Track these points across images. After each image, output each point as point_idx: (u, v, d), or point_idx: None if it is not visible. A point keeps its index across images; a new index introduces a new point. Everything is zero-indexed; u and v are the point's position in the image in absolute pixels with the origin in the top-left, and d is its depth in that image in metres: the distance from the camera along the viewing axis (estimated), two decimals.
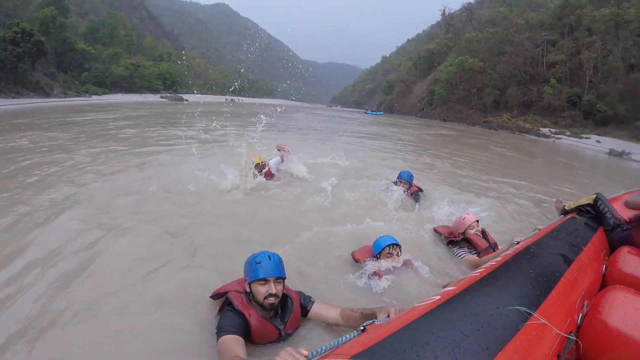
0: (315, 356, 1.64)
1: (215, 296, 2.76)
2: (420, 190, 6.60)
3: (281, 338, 2.60)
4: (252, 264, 2.50)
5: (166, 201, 5.34)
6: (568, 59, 47.35)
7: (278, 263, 2.54)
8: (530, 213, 6.72)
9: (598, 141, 34.58)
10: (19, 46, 36.32)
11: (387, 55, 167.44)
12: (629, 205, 3.30)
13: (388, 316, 2.18)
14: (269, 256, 2.53)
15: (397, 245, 3.66)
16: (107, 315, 2.80)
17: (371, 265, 3.57)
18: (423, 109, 73.84)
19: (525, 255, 2.25)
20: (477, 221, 4.38)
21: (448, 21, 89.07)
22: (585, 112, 41.84)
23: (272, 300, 2.45)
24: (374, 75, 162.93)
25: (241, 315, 2.44)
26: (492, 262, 2.28)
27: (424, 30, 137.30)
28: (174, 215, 4.80)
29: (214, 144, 10.35)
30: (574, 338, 1.74)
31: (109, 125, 17.41)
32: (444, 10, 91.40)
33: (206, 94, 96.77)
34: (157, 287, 3.17)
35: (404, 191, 6.23)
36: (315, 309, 2.77)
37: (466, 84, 62.07)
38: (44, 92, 40.44)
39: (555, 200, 4.43)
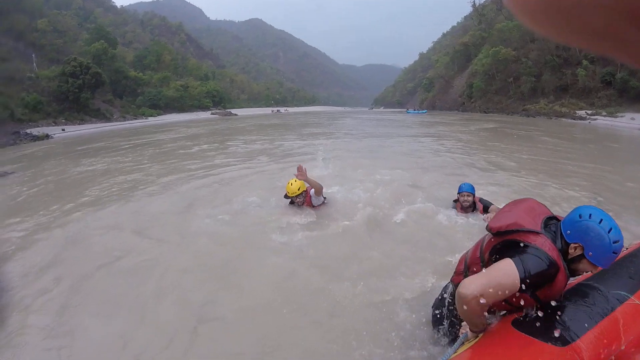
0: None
1: None
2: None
3: None
4: (610, 244, 2.01)
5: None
6: None
7: None
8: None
9: (632, 118, 35.43)
10: (78, 78, 40.59)
11: (424, 51, 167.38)
12: None
13: None
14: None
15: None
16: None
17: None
18: (464, 103, 74.91)
19: (629, 257, 2.72)
20: None
21: (479, 12, 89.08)
22: (619, 90, 42.19)
23: None
24: (414, 73, 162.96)
25: None
26: None
27: (458, 23, 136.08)
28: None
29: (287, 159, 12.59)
30: None
31: (173, 144, 19.51)
32: (474, 2, 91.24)
33: (252, 107, 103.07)
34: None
35: (469, 206, 5.85)
36: None
37: (502, 74, 63.01)
38: (105, 117, 45.43)
39: None
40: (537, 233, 2.12)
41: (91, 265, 4.78)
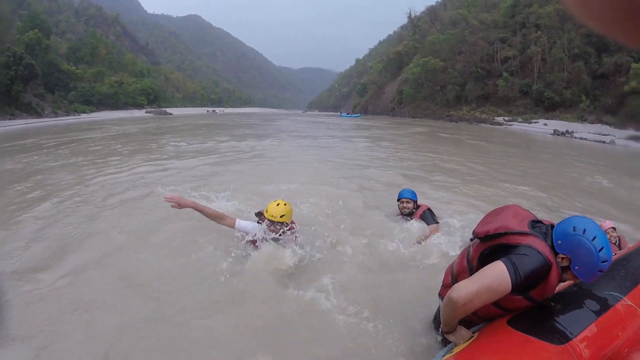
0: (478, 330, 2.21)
1: None
2: (429, 209, 5.18)
3: None
4: (598, 263, 1.91)
5: None
6: (519, 54, 51.61)
7: None
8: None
9: (545, 124, 38.53)
10: (11, 69, 37.75)
11: (360, 57, 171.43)
12: None
13: None
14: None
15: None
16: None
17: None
18: (394, 108, 77.21)
19: (621, 260, 2.75)
20: (614, 228, 4.53)
21: (414, 23, 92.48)
22: (535, 100, 46.08)
23: None
24: (349, 79, 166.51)
25: None
26: None
27: (394, 32, 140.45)
28: None
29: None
30: None
31: (101, 143, 17.69)
32: (410, 13, 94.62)
33: (187, 106, 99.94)
34: None
35: (408, 213, 5.08)
36: None
37: (430, 82, 66.21)
38: (36, 113, 41.84)
39: None
40: (526, 234, 2.04)
41: None
